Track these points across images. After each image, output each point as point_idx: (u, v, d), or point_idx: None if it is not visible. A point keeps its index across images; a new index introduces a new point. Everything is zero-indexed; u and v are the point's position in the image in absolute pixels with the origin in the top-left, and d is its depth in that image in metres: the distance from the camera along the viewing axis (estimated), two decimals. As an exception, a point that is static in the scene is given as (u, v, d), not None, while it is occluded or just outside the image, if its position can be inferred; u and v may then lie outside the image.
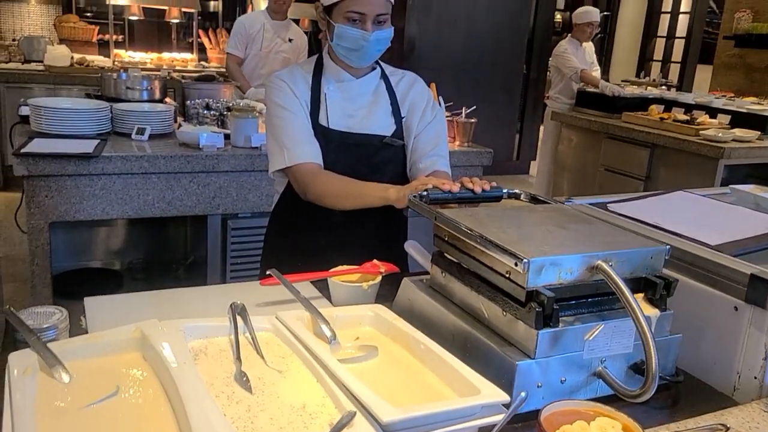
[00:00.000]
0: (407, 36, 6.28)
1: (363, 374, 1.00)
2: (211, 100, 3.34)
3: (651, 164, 4.26)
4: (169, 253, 3.49)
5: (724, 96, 5.42)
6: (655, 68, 10.59)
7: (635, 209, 1.55)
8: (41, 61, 5.52)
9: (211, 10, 8.76)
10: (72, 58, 5.54)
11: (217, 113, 3.20)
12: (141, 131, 2.86)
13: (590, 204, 1.60)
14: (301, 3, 6.61)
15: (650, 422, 1.00)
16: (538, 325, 1.02)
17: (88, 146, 2.60)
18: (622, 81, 8.35)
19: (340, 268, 1.42)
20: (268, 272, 1.34)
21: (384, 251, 1.54)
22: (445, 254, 1.25)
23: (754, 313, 1.18)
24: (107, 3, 6.10)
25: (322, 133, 1.70)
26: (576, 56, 5.40)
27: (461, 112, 3.34)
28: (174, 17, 7.23)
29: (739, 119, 4.39)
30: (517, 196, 1.44)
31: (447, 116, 3.06)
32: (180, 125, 3.07)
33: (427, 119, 1.78)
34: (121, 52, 6.54)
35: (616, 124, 4.54)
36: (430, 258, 1.32)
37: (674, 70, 10.22)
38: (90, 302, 1.30)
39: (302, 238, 1.80)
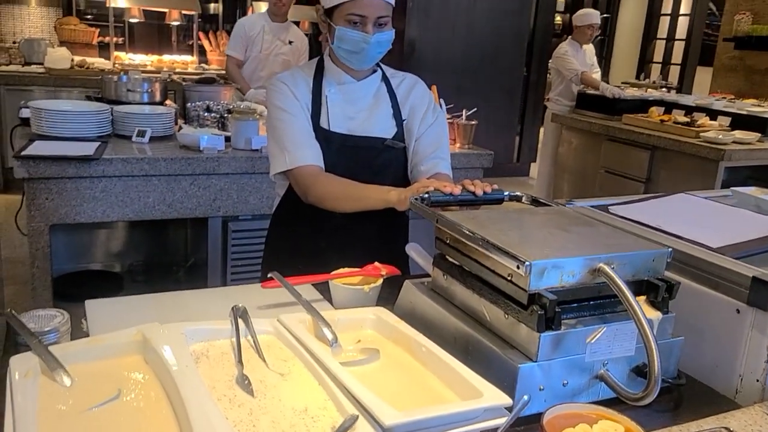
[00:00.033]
0: (407, 38, 6.29)
1: (365, 377, 1.00)
2: (211, 102, 3.34)
3: (651, 166, 4.26)
4: (169, 256, 3.49)
5: (725, 98, 5.42)
6: (655, 70, 10.60)
7: (637, 211, 1.55)
8: (41, 64, 5.52)
9: (212, 12, 8.77)
10: (72, 60, 5.54)
11: (218, 115, 3.20)
12: (141, 134, 2.86)
13: (591, 206, 1.60)
14: (302, 5, 6.62)
15: (652, 425, 0.99)
16: (540, 328, 1.02)
17: (88, 149, 2.60)
18: (622, 83, 8.36)
19: (341, 270, 1.42)
20: (269, 275, 1.34)
21: (385, 253, 1.54)
22: (447, 257, 1.25)
23: (756, 316, 1.18)
24: (107, 5, 6.10)
25: (323, 136, 1.70)
26: (576, 58, 5.40)
27: (461, 114, 3.34)
28: (174, 19, 7.24)
29: (740, 121, 4.39)
30: (518, 199, 1.44)
31: (447, 118, 3.05)
32: (180, 127, 3.07)
33: (428, 121, 1.78)
34: (122, 54, 6.54)
35: (616, 126, 4.54)
36: (431, 260, 1.31)
37: (674, 72, 10.23)
38: (91, 305, 1.30)
39: (303, 241, 1.79)
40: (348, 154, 1.71)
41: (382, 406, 0.89)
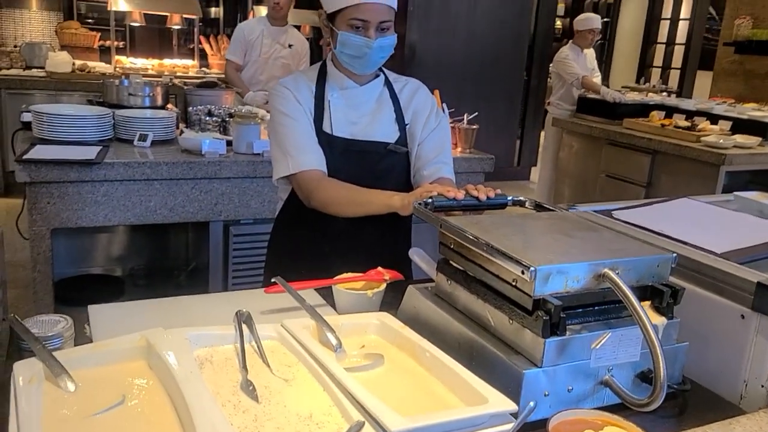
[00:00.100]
0: (408, 43, 6.29)
1: (369, 383, 1.00)
2: (213, 106, 3.34)
3: (652, 171, 4.26)
4: (170, 260, 3.49)
5: (725, 102, 5.42)
6: (655, 74, 10.60)
7: (640, 216, 1.55)
8: (43, 68, 5.52)
9: (213, 16, 8.80)
10: (73, 64, 5.54)
11: (219, 120, 3.20)
12: (143, 138, 2.86)
13: (595, 211, 1.60)
14: (303, 9, 6.63)
15: (658, 431, 0.99)
16: (545, 334, 1.02)
17: (90, 153, 2.60)
18: (622, 87, 8.37)
19: (344, 275, 1.42)
20: (273, 280, 1.34)
21: (388, 258, 1.53)
22: (451, 262, 1.25)
23: (760, 322, 1.17)
24: (108, 9, 6.10)
25: (326, 141, 1.70)
26: (577, 63, 5.40)
27: (463, 119, 3.34)
28: (175, 23, 7.24)
29: (740, 125, 4.40)
30: (521, 204, 1.44)
31: (449, 123, 3.05)
32: (182, 132, 3.07)
33: (431, 126, 1.78)
34: (123, 58, 6.54)
35: (617, 130, 4.55)
36: (434, 265, 1.31)
37: (674, 77, 10.23)
38: (94, 310, 1.30)
39: (306, 245, 1.79)
40: (351, 159, 1.71)
41: (387, 412, 0.88)
